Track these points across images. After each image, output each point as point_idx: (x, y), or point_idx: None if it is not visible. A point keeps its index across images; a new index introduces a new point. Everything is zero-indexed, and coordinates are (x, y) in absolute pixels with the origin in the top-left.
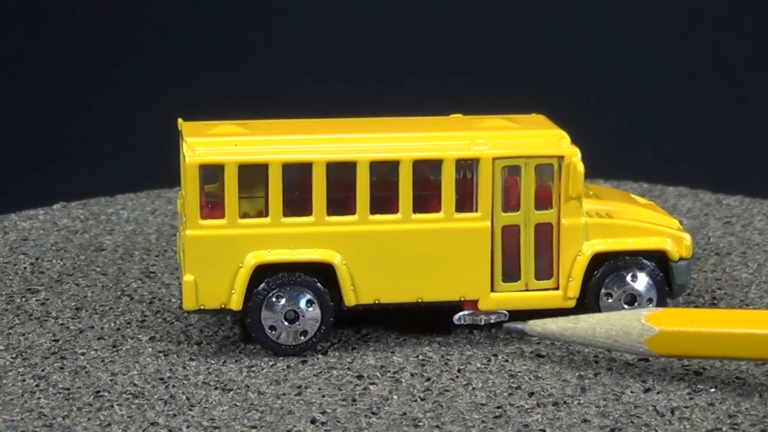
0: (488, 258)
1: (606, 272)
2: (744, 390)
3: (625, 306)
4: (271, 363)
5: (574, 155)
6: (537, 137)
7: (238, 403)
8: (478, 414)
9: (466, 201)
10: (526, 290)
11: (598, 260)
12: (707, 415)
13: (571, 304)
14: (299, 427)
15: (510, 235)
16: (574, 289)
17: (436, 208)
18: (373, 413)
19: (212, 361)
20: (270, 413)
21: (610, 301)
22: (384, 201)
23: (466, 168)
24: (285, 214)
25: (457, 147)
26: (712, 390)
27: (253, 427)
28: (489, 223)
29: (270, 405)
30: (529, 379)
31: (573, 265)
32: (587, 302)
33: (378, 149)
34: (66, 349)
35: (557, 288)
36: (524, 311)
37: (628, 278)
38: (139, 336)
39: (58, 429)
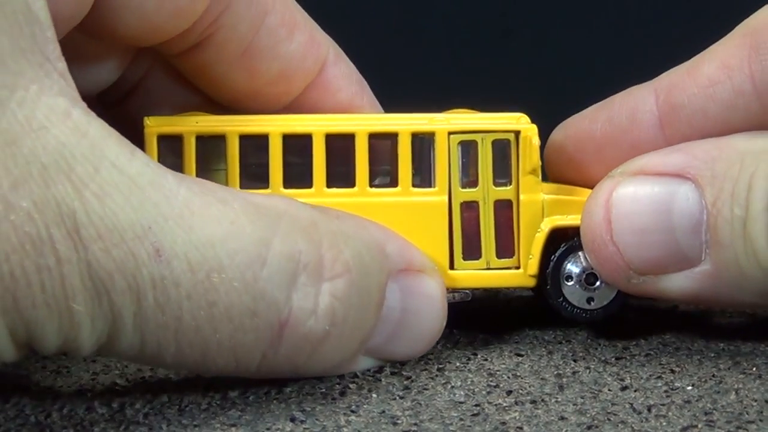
0: (446, 234)
1: (567, 250)
2: (720, 388)
3: (587, 286)
4: None
5: (530, 130)
6: (495, 117)
7: (218, 402)
8: (456, 412)
9: (424, 176)
10: (488, 268)
11: (560, 239)
12: (683, 413)
13: (532, 282)
14: (278, 425)
15: (469, 212)
16: (533, 266)
17: (394, 182)
18: (352, 411)
19: None
20: (250, 411)
21: (570, 284)
22: (342, 175)
23: (424, 143)
24: (244, 186)
25: (413, 123)
26: (689, 388)
27: (233, 425)
28: (446, 198)
29: (250, 403)
30: (508, 377)
31: (532, 242)
32: (549, 284)
33: (335, 123)
34: None
35: (518, 267)
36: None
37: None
38: None
39: (39, 428)
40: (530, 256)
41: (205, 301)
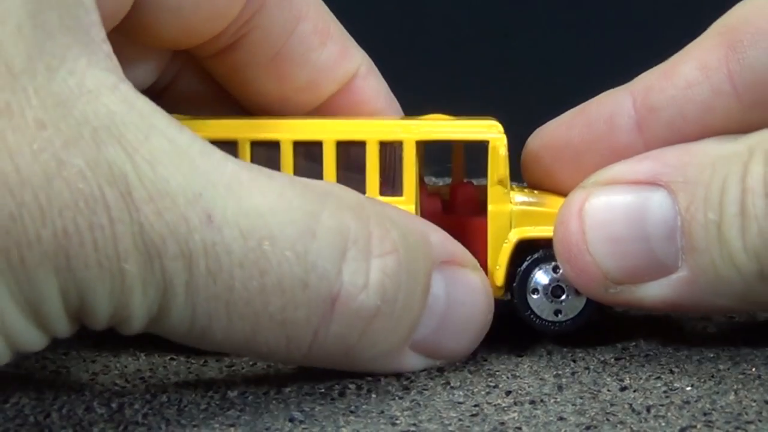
0: None
1: (533, 263)
2: (720, 388)
3: (554, 298)
4: (250, 362)
5: (498, 140)
6: (466, 125)
7: (217, 402)
8: (455, 412)
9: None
10: None
11: (529, 250)
12: (682, 413)
13: (500, 293)
14: (277, 425)
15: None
16: (500, 277)
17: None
18: (351, 411)
19: (193, 361)
20: (248, 412)
21: (536, 296)
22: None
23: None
24: None
25: (382, 130)
26: (688, 388)
27: (232, 425)
28: (413, 207)
29: (248, 403)
30: (507, 378)
31: (499, 252)
32: (515, 295)
33: (302, 130)
34: (47, 349)
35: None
36: None
37: (554, 269)
38: (119, 336)
39: (38, 428)
40: (497, 267)
41: (257, 270)
